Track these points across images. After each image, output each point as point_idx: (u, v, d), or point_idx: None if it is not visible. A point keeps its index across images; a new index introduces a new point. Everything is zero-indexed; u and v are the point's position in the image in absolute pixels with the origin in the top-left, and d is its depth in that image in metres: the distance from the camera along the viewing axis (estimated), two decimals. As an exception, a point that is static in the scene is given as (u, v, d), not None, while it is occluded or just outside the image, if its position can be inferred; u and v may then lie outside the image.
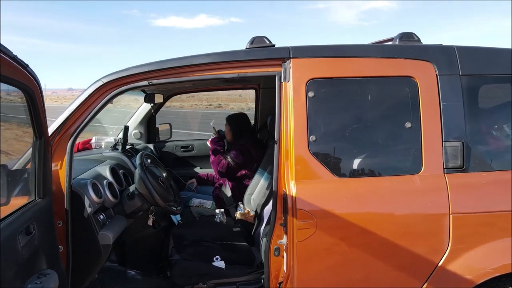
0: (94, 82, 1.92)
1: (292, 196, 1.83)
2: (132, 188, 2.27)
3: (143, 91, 2.91)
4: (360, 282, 1.86)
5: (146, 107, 3.50)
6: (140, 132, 3.53)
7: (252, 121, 3.62)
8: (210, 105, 27.75)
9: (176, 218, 2.78)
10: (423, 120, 1.88)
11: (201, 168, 3.78)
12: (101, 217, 2.06)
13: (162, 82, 1.95)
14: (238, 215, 2.87)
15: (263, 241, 2.11)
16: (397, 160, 1.91)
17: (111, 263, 2.68)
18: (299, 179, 1.86)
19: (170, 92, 3.45)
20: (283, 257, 1.93)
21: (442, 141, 1.87)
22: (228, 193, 3.13)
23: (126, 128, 3.01)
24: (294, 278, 1.84)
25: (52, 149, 1.84)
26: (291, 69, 1.90)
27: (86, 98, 1.90)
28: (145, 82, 1.93)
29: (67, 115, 1.88)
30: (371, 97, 1.92)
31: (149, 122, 3.62)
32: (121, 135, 3.02)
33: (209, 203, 3.01)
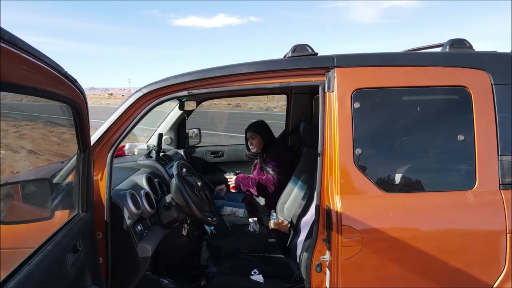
0: (134, 93, 1.90)
1: (336, 212, 1.76)
2: (168, 198, 2.24)
3: (178, 98, 2.89)
4: (409, 303, 1.78)
5: (177, 112, 3.48)
6: (171, 138, 3.52)
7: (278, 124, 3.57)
8: (229, 104, 27.80)
9: (209, 228, 2.75)
10: (477, 133, 1.77)
11: (230, 173, 3.74)
12: (139, 228, 2.04)
13: (202, 92, 1.91)
14: (272, 224, 2.81)
15: (304, 256, 2.04)
16: (449, 175, 1.81)
17: (145, 272, 2.67)
18: (344, 194, 1.78)
19: (202, 97, 3.42)
20: (325, 273, 1.86)
21: (498, 155, 1.76)
22: (261, 201, 3.07)
23: (160, 136, 2.99)
24: (339, 297, 1.77)
25: (93, 159, 1.83)
26: (335, 79, 1.82)
27: (126, 109, 1.87)
28: (184, 92, 1.89)
29: (108, 126, 1.86)
30: (421, 108, 1.83)
31: (179, 127, 3.60)
32: (154, 142, 3.00)
33: (241, 212, 2.96)
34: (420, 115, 1.83)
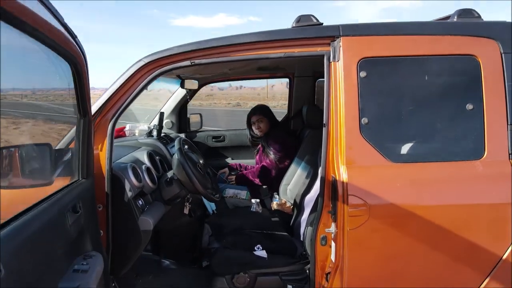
0: (136, 63, 1.86)
1: (342, 182, 1.72)
2: (170, 174, 2.20)
3: (179, 76, 2.86)
4: (416, 274, 1.74)
5: (178, 96, 3.45)
6: (172, 122, 3.48)
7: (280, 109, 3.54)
8: (229, 103, 27.80)
9: (211, 207, 2.71)
10: (486, 102, 1.73)
11: (232, 159, 3.71)
12: (140, 202, 2.00)
13: (205, 62, 1.87)
14: (274, 205, 2.78)
15: (308, 230, 2.01)
16: (457, 145, 1.77)
17: (146, 252, 2.63)
18: (350, 164, 1.74)
19: (205, 80, 3.39)
20: (330, 246, 1.83)
21: (508, 124, 1.73)
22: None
23: (161, 114, 2.96)
24: (344, 268, 1.73)
25: (94, 129, 1.79)
26: (341, 48, 1.78)
27: (127, 79, 1.83)
28: (187, 62, 1.86)
29: (108, 96, 1.82)
30: (429, 77, 1.78)
31: (180, 111, 3.56)
32: (156, 122, 2.97)
33: (243, 194, 2.93)
34: (428, 84, 1.79)
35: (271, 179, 3.00)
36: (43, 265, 1.03)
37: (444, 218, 1.69)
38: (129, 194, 1.85)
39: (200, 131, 3.75)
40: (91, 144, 1.57)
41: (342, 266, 1.74)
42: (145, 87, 1.85)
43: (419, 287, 1.75)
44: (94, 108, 1.79)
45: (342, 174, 1.74)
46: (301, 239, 2.26)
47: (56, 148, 1.56)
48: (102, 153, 1.82)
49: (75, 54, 1.27)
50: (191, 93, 3.45)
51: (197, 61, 1.85)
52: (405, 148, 1.78)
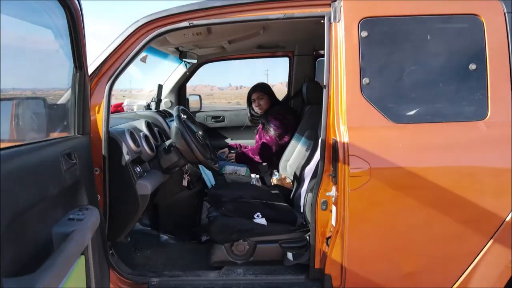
0: (134, 23, 1.83)
1: (343, 143, 1.69)
2: (168, 142, 2.17)
3: (178, 49, 2.82)
4: (418, 236, 1.71)
5: (177, 75, 3.42)
6: (171, 101, 3.45)
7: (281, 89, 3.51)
8: (229, 102, 27.91)
9: (210, 182, 2.68)
10: (490, 62, 1.70)
11: (232, 140, 3.69)
12: (138, 169, 1.97)
13: (203, 23, 1.84)
14: (274, 180, 2.75)
15: (308, 197, 1.98)
16: (460, 105, 1.74)
17: (144, 227, 2.61)
18: (351, 125, 1.72)
19: (203, 58, 3.36)
20: (331, 211, 1.80)
21: (511, 85, 1.70)
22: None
23: (159, 87, 2.92)
24: (345, 231, 1.71)
25: (91, 92, 1.76)
26: (342, 8, 1.75)
27: (125, 39, 1.80)
28: (185, 23, 1.82)
29: (105, 57, 1.79)
30: (431, 37, 1.75)
31: (179, 91, 3.53)
32: (154, 94, 2.93)
33: (243, 170, 2.90)
34: (430, 44, 1.76)
35: (271, 156, 2.97)
36: (37, 201, 1.00)
37: (447, 179, 1.67)
38: (127, 157, 1.82)
39: (199, 112, 3.72)
40: (87, 99, 1.54)
41: (343, 229, 1.72)
42: (143, 48, 1.82)
43: (421, 248, 1.72)
44: (90, 69, 1.76)
45: (343, 135, 1.71)
46: (301, 210, 2.24)
47: (50, 102, 1.53)
48: (99, 116, 1.79)
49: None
50: (190, 73, 3.42)
51: (195, 22, 1.82)
52: (407, 109, 1.75)
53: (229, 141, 3.66)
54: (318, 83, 3.05)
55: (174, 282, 1.91)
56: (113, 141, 1.80)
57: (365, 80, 1.72)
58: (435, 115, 1.74)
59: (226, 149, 3.32)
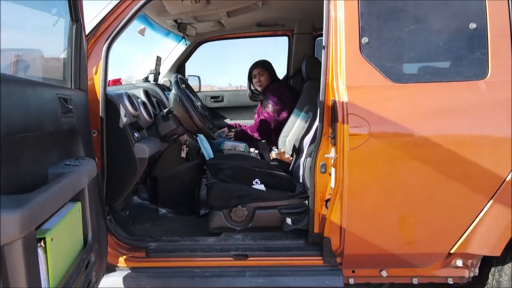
0: (131, -18, 1.81)
1: (342, 102, 1.68)
2: (166, 109, 2.16)
3: (176, 21, 2.80)
4: (417, 195, 1.69)
5: (176, 54, 3.40)
6: (170, 81, 3.42)
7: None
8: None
9: (209, 156, 2.67)
10: (490, 21, 1.68)
11: (231, 120, 3.67)
12: (136, 135, 1.96)
13: None
14: (273, 154, 2.74)
15: (307, 161, 1.96)
16: (460, 65, 1.72)
17: (143, 201, 2.60)
18: (350, 85, 1.70)
19: (202, 36, 3.34)
20: (330, 174, 1.79)
21: (511, 44, 1.68)
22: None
23: (158, 59, 2.90)
24: (344, 192, 1.69)
25: (88, 53, 1.75)
26: (341, -34, 1.73)
27: None
28: None
29: (103, 17, 1.77)
30: (431, -5, 1.74)
31: (178, 71, 3.51)
32: (152, 67, 2.91)
33: (242, 146, 2.89)
34: (430, 2, 1.74)
35: (270, 132, 2.96)
36: (31, 129, 0.98)
37: (446, 139, 1.65)
38: (124, 120, 1.80)
39: (199, 92, 3.70)
40: (84, 51, 1.52)
41: (342, 190, 1.71)
42: (141, 8, 1.80)
43: (420, 209, 1.71)
44: (87, 29, 1.75)
45: (342, 94, 1.69)
46: (300, 180, 2.22)
47: (46, 55, 1.51)
48: (96, 77, 1.78)
49: None
50: (188, 52, 3.41)
51: None
52: (406, 68, 1.74)
53: (228, 121, 3.64)
54: (318, 59, 3.04)
55: (172, 246, 1.90)
56: (111, 103, 1.78)
57: (364, 40, 1.70)
58: (435, 75, 1.73)
59: (226, 129, 3.31)
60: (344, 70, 1.72)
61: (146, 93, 2.29)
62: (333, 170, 1.75)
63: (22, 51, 1.41)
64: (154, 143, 2.03)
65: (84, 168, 1.21)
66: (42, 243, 0.92)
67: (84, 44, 1.50)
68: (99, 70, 1.77)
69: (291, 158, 2.65)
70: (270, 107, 2.94)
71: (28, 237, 0.77)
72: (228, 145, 2.91)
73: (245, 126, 3.33)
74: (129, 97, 1.90)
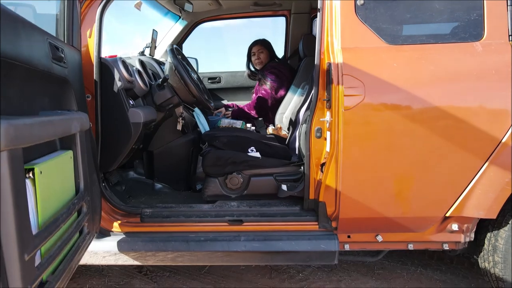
0: None
1: (337, 64, 1.67)
2: (162, 77, 2.15)
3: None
4: (412, 158, 1.69)
5: (173, 34, 3.38)
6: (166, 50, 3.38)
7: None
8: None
9: (205, 130, 2.65)
10: None
11: (228, 101, 3.66)
12: (131, 102, 1.95)
13: None
14: (269, 130, 2.73)
15: (302, 128, 1.96)
16: (455, 26, 1.72)
17: (139, 176, 2.59)
18: (346, 46, 1.70)
19: (199, 16, 3.32)
20: (325, 139, 1.78)
21: (507, 5, 1.67)
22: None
23: (154, 32, 2.89)
24: (339, 154, 1.69)
25: (82, 15, 1.74)
26: None
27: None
28: None
29: (97, -21, 1.77)
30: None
31: (175, 52, 3.49)
32: (149, 40, 2.89)
33: (238, 123, 2.88)
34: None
35: (267, 109, 2.95)
36: (20, 58, 0.96)
37: (441, 98, 1.65)
38: (119, 83, 1.79)
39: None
40: (77, 11, 1.51)
41: (337, 152, 1.70)
42: None
43: (415, 171, 1.70)
44: (81, -8, 1.74)
45: (337, 56, 1.69)
46: (296, 152, 2.22)
47: (39, 12, 1.51)
48: (90, 40, 1.77)
49: None
50: (185, 32, 3.39)
51: None
52: (401, 30, 1.73)
53: (225, 102, 3.63)
54: (315, 36, 3.02)
55: (167, 212, 1.90)
56: (105, 67, 1.78)
57: (360, 1, 1.70)
58: (430, 36, 1.72)
59: (223, 109, 3.30)
60: (340, 32, 1.71)
61: (142, 63, 2.29)
62: (328, 134, 1.74)
63: (14, 5, 1.40)
64: (150, 110, 2.02)
65: (76, 116, 1.20)
66: (30, 174, 0.91)
67: (77, 4, 1.49)
68: (93, 33, 1.77)
69: (288, 133, 2.64)
70: (268, 84, 2.94)
71: (14, 156, 0.76)
72: (225, 122, 2.90)
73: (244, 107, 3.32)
74: (124, 63, 1.90)
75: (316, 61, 1.76)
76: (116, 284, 2.23)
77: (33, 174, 0.92)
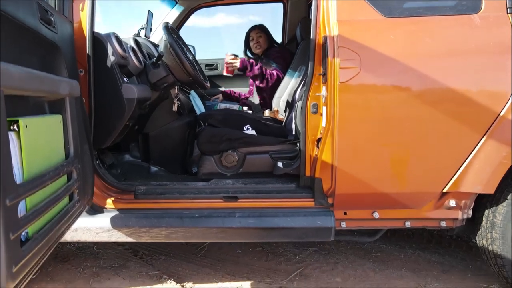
0: None
1: (333, 37, 1.65)
2: (157, 55, 2.12)
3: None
4: (412, 132, 1.66)
5: (169, 20, 3.35)
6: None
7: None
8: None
9: (200, 110, 2.63)
10: None
11: (225, 88, 3.63)
12: (125, 79, 1.92)
13: None
14: (266, 113, 2.71)
15: (298, 104, 1.93)
16: (453, -2, 1.70)
17: (134, 159, 2.57)
18: (341, 19, 1.68)
19: (194, 3, 3.30)
20: (321, 114, 1.76)
21: (506, -24, 1.65)
22: (256, 101, 2.97)
23: (149, 14, 2.86)
24: (335, 129, 1.67)
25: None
26: None
27: None
28: None
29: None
30: None
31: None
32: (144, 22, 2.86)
33: (235, 107, 2.86)
34: None
35: (267, 87, 2.81)
36: (6, 26, 0.95)
37: (439, 71, 1.63)
38: (112, 58, 1.77)
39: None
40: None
41: (333, 127, 1.68)
42: None
43: (413, 145, 1.68)
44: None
45: (333, 28, 1.67)
46: (293, 133, 2.19)
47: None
48: (83, 13, 1.75)
49: None
50: (181, 18, 3.36)
51: None
52: (398, 2, 1.71)
53: (222, 89, 3.61)
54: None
55: (161, 189, 1.88)
56: (98, 41, 1.76)
57: None
58: (427, 9, 1.70)
59: (220, 95, 3.28)
60: (335, 5, 1.69)
61: (136, 42, 2.26)
62: (324, 109, 1.72)
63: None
64: (144, 88, 2.00)
65: (65, 79, 1.18)
66: (15, 127, 0.89)
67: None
68: (85, 7, 1.74)
69: (285, 116, 2.62)
70: (273, 65, 2.85)
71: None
72: (222, 106, 2.88)
73: (240, 94, 3.29)
74: (117, 38, 1.87)
75: (311, 35, 1.74)
76: (111, 266, 2.21)
77: (18, 128, 0.89)
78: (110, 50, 1.77)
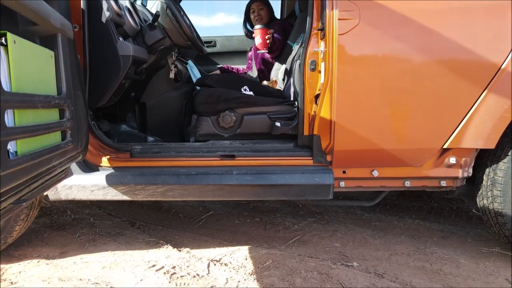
0: None
1: None
2: (153, 17, 2.09)
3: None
4: (411, 86, 1.64)
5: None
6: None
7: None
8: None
9: (196, 76, 2.59)
10: None
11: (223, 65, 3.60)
12: (121, 39, 1.89)
13: None
14: (264, 82, 2.68)
15: (297, 63, 1.91)
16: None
17: (131, 129, 2.54)
18: (340, -29, 1.65)
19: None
20: (319, 72, 1.73)
21: None
22: (254, 74, 2.94)
23: None
24: (334, 83, 1.64)
25: None
26: None
27: None
28: None
29: None
30: None
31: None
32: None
33: (234, 80, 2.82)
34: None
35: (277, 49, 2.76)
36: None
37: (438, 22, 1.60)
38: (107, 14, 1.74)
39: None
40: None
41: (332, 82, 1.65)
42: None
43: (412, 100, 1.66)
44: None
45: (332, -20, 1.64)
46: (292, 98, 2.17)
47: None
48: None
49: None
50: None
51: None
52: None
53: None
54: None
55: (157, 149, 1.85)
56: None
57: None
58: None
59: (218, 71, 3.24)
60: None
61: (133, 6, 2.23)
62: (322, 65, 1.69)
63: None
64: (141, 49, 1.97)
65: (58, 14, 1.15)
66: (3, 40, 0.86)
67: None
68: (79, -41, 1.71)
69: (283, 79, 2.59)
70: (277, 35, 2.81)
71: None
72: (220, 79, 2.84)
73: (238, 70, 3.25)
74: None
75: None
76: (107, 234, 2.19)
77: (6, 42, 0.86)
78: (105, 6, 1.73)
